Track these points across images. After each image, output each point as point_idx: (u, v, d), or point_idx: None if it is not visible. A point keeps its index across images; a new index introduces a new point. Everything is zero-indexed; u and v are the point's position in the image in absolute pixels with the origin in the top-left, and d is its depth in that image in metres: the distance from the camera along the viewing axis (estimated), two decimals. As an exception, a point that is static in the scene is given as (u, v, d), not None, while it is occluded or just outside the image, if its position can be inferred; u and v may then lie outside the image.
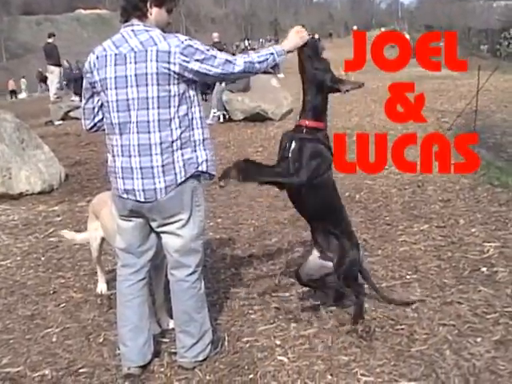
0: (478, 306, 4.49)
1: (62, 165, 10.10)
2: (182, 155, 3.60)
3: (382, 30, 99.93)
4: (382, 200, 7.33)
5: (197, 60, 3.51)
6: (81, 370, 4.06)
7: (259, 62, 3.72)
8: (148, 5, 3.62)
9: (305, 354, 4.02)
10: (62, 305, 5.09)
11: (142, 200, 3.63)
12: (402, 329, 4.25)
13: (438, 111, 14.47)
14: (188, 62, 3.50)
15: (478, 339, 4.05)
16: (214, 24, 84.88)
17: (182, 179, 3.61)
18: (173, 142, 3.56)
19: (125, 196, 3.69)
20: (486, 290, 4.74)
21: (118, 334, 4.04)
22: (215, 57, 3.56)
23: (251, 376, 3.83)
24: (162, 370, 3.97)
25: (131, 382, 3.90)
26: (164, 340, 4.34)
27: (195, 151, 3.66)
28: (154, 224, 3.77)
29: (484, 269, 5.14)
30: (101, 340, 4.44)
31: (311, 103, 4.06)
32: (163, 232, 3.78)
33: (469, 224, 6.29)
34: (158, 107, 3.52)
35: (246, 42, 66.05)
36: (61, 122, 18.24)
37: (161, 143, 3.54)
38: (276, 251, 5.87)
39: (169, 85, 3.52)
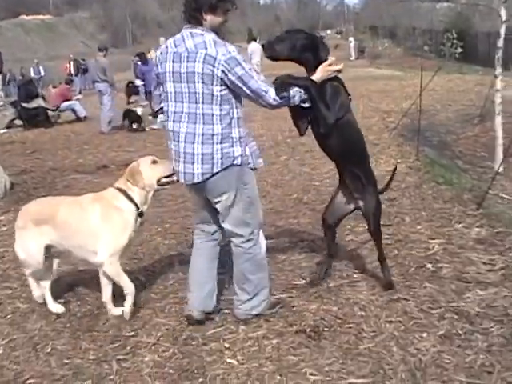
0: (424, 301, 4.59)
1: (7, 174, 9.93)
2: (222, 149, 4.07)
3: (328, 32, 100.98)
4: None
5: (236, 73, 3.92)
6: (28, 381, 4.00)
7: (292, 97, 4.11)
8: (203, 13, 4.03)
9: (254, 355, 4.05)
10: (9, 316, 4.98)
11: (183, 181, 4.27)
12: (350, 327, 4.30)
13: (384, 111, 14.68)
14: (229, 71, 3.92)
15: (424, 334, 4.13)
16: (161, 28, 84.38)
17: (218, 169, 4.09)
18: (213, 135, 4.04)
19: (175, 177, 4.42)
20: (432, 286, 4.84)
21: (189, 282, 4.64)
22: (252, 77, 3.96)
23: (201, 380, 3.83)
24: (112, 377, 3.96)
25: (191, 322, 4.50)
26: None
27: (232, 146, 4.10)
28: (209, 199, 4.31)
29: (429, 265, 5.25)
30: (48, 350, 4.38)
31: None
32: (217, 207, 4.29)
33: (414, 222, 6.41)
34: (203, 102, 4.01)
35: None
36: (6, 130, 17.90)
37: (202, 134, 4.04)
38: (224, 253, 5.85)
39: (212, 85, 3.97)
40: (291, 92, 4.08)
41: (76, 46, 74.94)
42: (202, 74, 3.94)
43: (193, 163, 4.10)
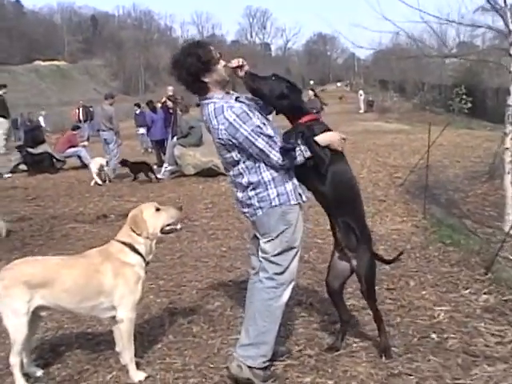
0: (427, 377, 4.25)
1: (5, 220, 9.74)
2: (257, 194, 4.28)
3: (338, 84, 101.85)
4: (332, 260, 7.06)
5: (237, 139, 4.12)
6: None
7: (295, 158, 4.20)
8: (201, 79, 4.20)
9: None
10: (-16, 377, 4.69)
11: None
12: (348, 404, 3.99)
13: (391, 166, 14.49)
14: (232, 137, 4.13)
15: (426, 416, 3.81)
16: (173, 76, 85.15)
17: (260, 213, 4.30)
18: (247, 186, 4.29)
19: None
20: (436, 360, 4.50)
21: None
22: (254, 143, 4.12)
23: None
24: None
25: None
26: None
27: (267, 190, 4.26)
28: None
29: (434, 335, 4.92)
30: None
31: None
32: (259, 242, 4.43)
33: (419, 286, 6.10)
34: (233, 166, 4.31)
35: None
36: (10, 174, 17.82)
37: (240, 184, 4.33)
38: (217, 317, 5.57)
39: (229, 152, 4.24)
40: (295, 153, 4.18)
41: (88, 93, 75.91)
42: (217, 147, 4.32)
43: (242, 207, 4.45)
